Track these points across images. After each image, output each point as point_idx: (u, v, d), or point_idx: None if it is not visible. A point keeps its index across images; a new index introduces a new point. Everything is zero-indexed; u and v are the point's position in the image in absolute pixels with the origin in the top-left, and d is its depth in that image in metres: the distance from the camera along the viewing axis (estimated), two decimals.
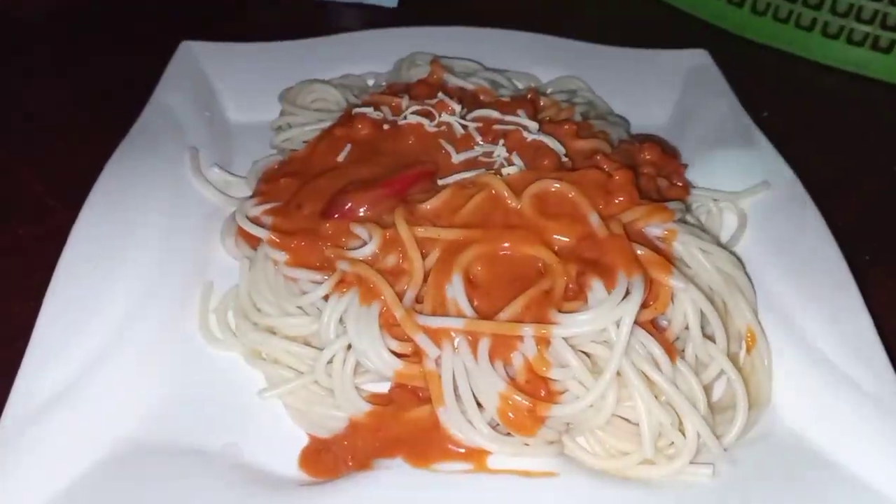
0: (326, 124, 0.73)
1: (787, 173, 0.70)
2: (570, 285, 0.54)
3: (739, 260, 0.62)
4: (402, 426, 0.52)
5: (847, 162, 0.87)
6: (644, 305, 0.52)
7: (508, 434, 0.51)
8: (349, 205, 0.60)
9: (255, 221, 0.63)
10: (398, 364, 0.53)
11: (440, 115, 0.68)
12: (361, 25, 0.96)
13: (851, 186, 0.83)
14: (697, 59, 0.90)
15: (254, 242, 0.63)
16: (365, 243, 0.57)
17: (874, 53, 1.01)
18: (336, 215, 0.60)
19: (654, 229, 0.58)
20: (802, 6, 1.04)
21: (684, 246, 0.59)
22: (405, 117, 0.69)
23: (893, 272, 0.72)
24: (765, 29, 1.09)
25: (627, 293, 0.52)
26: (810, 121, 0.94)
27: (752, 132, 0.76)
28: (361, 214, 0.60)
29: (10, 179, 0.79)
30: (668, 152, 0.74)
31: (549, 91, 0.86)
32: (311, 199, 0.62)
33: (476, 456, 0.51)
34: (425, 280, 0.55)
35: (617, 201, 0.58)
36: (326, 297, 0.56)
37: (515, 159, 0.63)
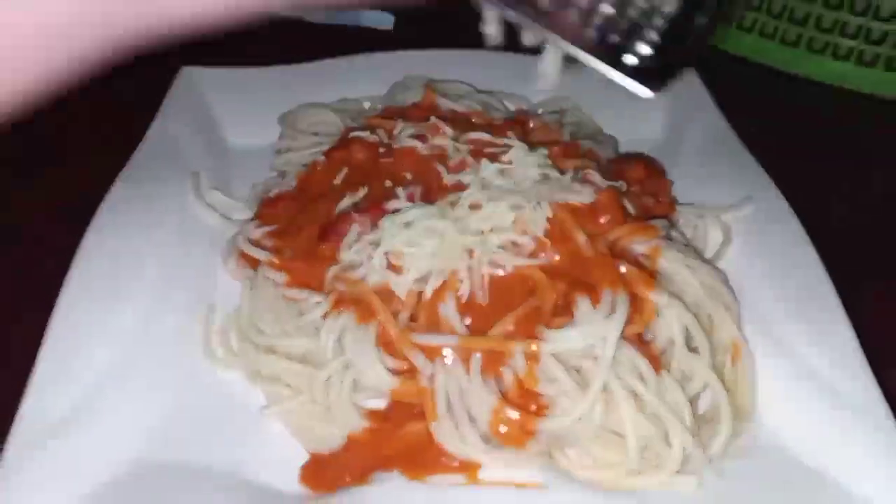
0: (324, 147, 0.76)
1: (771, 189, 0.73)
2: (559, 302, 0.56)
3: (724, 275, 0.65)
4: (397, 441, 0.54)
5: (833, 176, 0.89)
6: (630, 321, 0.55)
7: (500, 447, 0.53)
8: (345, 227, 0.62)
9: (255, 244, 0.66)
10: (394, 381, 0.55)
11: (433, 139, 0.71)
12: (358, 48, 0.98)
13: (837, 200, 0.85)
14: (683, 75, 0.92)
15: (255, 264, 0.65)
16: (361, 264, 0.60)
17: (859, 68, 1.04)
18: (333, 237, 0.62)
19: (640, 246, 0.61)
20: (788, 22, 1.07)
21: (669, 262, 0.61)
22: (399, 141, 0.72)
23: (878, 286, 0.74)
24: (750, 45, 1.12)
25: (613, 310, 0.54)
26: (796, 136, 0.96)
27: (737, 148, 0.79)
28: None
29: (13, 204, 0.80)
30: (655, 170, 0.77)
31: (539, 111, 0.88)
32: (308, 222, 0.65)
33: (469, 468, 0.53)
34: (419, 299, 0.58)
35: (603, 220, 0.61)
36: (325, 317, 0.59)
37: None
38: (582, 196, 0.62)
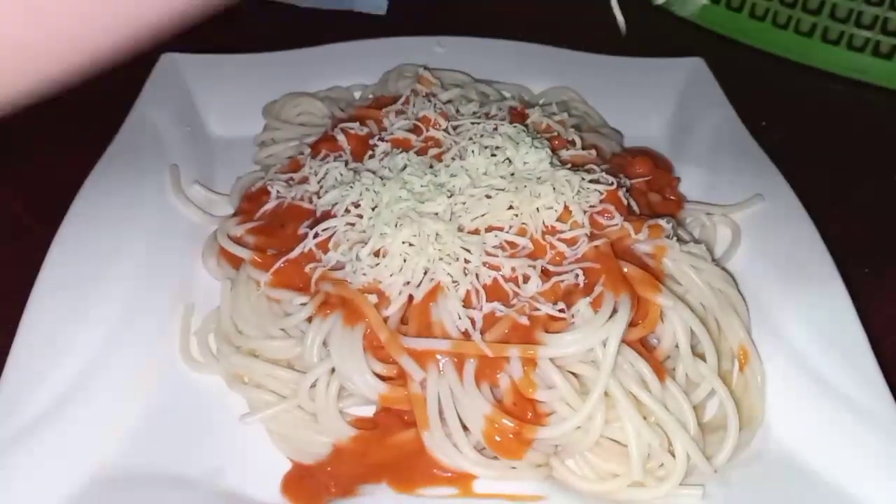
0: (311, 139, 0.75)
1: (783, 186, 0.72)
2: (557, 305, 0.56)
3: (732, 276, 0.64)
4: (386, 451, 0.54)
5: (847, 173, 0.89)
6: (632, 324, 0.55)
7: (495, 457, 0.53)
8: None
9: (237, 241, 0.65)
10: (383, 387, 0.54)
11: (427, 130, 0.71)
12: (350, 35, 0.98)
13: (851, 196, 0.85)
14: (693, 67, 0.92)
15: (236, 263, 0.65)
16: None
17: (875, 59, 1.04)
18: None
19: (644, 246, 0.61)
20: (801, 11, 1.07)
21: (675, 262, 0.61)
22: (391, 133, 0.71)
23: (893, 286, 0.73)
24: (763, 35, 1.11)
25: (615, 312, 0.54)
26: (809, 129, 0.96)
27: (748, 143, 0.79)
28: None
29: None
30: (661, 165, 0.77)
31: (540, 102, 0.88)
32: (293, 218, 0.64)
33: (462, 480, 0.52)
34: (410, 301, 0.57)
35: (605, 217, 0.60)
36: (310, 319, 0.58)
37: None
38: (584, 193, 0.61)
